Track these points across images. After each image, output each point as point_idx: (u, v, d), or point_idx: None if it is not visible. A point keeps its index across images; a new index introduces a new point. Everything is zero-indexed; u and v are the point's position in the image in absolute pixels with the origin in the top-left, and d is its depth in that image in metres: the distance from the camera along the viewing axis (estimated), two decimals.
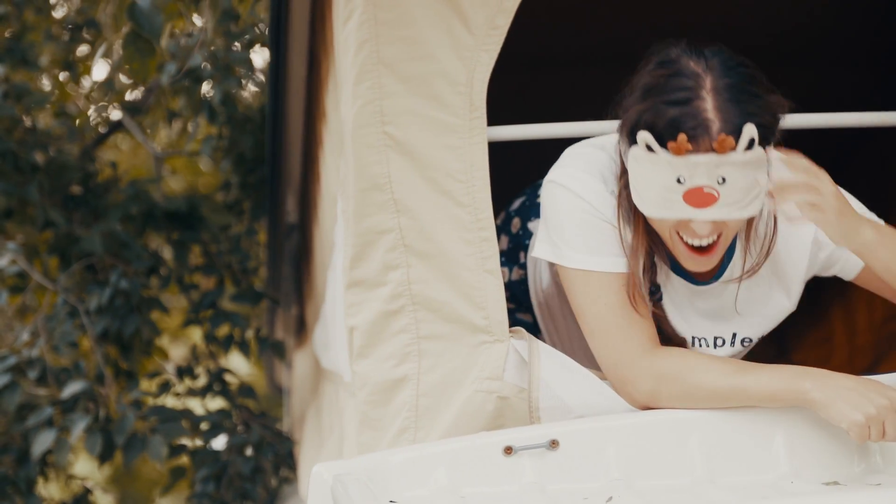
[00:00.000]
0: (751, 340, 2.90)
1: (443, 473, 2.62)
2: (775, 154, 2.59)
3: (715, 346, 2.90)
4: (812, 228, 2.85)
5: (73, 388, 5.03)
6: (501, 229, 3.37)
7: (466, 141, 2.92)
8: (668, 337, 2.86)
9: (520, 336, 2.91)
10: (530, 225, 3.31)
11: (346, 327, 3.11)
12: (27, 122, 5.59)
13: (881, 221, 2.80)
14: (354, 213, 2.99)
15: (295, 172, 5.37)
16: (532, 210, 3.30)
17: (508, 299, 3.11)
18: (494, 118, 3.02)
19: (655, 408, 2.72)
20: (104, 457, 5.01)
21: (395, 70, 2.93)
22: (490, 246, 2.92)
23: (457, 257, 2.93)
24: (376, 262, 2.97)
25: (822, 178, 2.60)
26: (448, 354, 2.92)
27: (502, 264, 3.32)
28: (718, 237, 2.69)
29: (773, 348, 4.81)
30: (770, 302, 2.89)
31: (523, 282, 3.32)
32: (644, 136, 2.61)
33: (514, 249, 3.34)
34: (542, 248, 2.89)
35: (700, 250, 2.70)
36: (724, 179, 2.57)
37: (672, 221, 2.68)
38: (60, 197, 5.61)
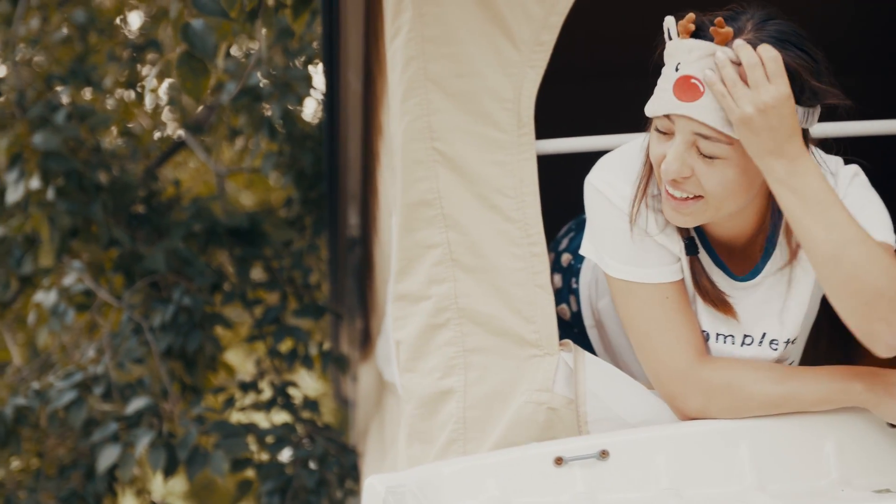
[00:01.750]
0: (777, 343, 2.82)
1: (493, 484, 2.64)
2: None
3: (743, 344, 2.83)
4: None
5: (137, 404, 5.10)
6: (553, 269, 3.34)
7: (515, 157, 2.94)
8: (705, 290, 2.81)
9: (568, 348, 2.92)
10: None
11: (393, 341, 3.14)
12: (91, 142, 5.66)
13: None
14: (401, 227, 3.02)
15: (355, 187, 5.40)
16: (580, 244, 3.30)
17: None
18: (544, 130, 3.03)
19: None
20: (168, 471, 5.06)
21: (442, 86, 2.96)
22: (541, 261, 2.94)
23: (507, 272, 2.94)
24: (421, 276, 3.00)
25: (768, 86, 2.50)
26: (496, 367, 2.93)
27: (559, 302, 3.30)
28: (696, 199, 2.64)
29: (838, 354, 4.78)
30: (799, 303, 2.81)
31: (577, 313, 3.31)
32: (668, 21, 2.62)
33: (568, 283, 3.33)
34: (586, 247, 2.88)
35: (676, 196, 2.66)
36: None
37: (659, 157, 2.65)
38: (124, 216, 5.69)
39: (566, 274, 3.32)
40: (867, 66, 4.74)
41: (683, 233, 2.80)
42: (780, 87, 2.50)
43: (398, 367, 3.13)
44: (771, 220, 2.76)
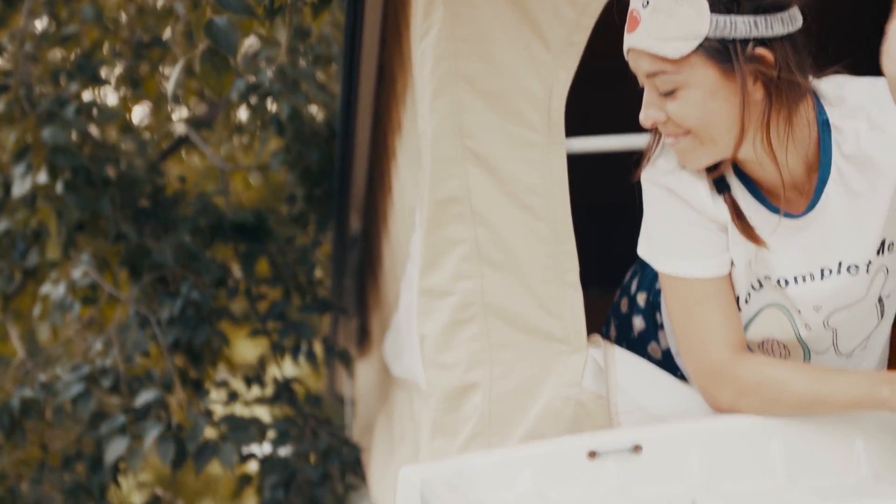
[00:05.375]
0: (857, 267, 2.79)
1: (527, 477, 2.67)
2: None
3: (822, 277, 2.81)
4: None
5: (145, 397, 5.11)
6: (632, 312, 3.35)
7: (545, 156, 2.98)
8: (736, 223, 2.80)
9: (596, 344, 2.96)
10: (657, 286, 3.29)
11: (417, 335, 3.17)
12: (97, 137, 5.66)
13: None
14: (428, 223, 3.05)
15: (359, 186, 5.43)
16: (652, 278, 3.31)
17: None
18: (574, 130, 3.07)
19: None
20: (176, 464, 5.08)
21: (473, 85, 3.00)
22: (570, 259, 2.97)
23: (535, 269, 2.98)
24: (448, 271, 3.03)
25: None
26: (522, 363, 2.96)
27: (647, 341, 3.32)
28: (686, 134, 2.70)
29: None
30: (868, 221, 2.76)
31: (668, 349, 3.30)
32: None
33: (652, 319, 3.32)
34: (642, 248, 2.92)
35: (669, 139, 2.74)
36: (647, 2, 2.63)
37: None
38: (132, 210, 5.69)
39: (647, 312, 3.33)
40: None
41: (713, 176, 2.81)
42: None
43: (423, 361, 3.17)
44: (819, 154, 2.75)
